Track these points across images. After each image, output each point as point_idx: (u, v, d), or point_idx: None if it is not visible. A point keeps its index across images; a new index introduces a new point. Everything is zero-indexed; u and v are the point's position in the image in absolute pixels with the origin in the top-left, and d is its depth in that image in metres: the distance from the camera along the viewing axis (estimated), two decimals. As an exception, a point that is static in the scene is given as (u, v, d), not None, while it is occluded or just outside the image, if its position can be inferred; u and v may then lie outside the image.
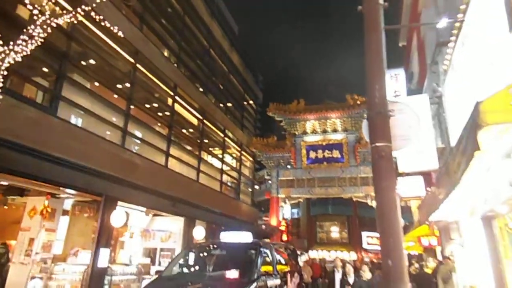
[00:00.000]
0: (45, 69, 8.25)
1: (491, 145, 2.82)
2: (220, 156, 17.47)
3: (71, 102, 8.40)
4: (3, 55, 4.51)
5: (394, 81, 14.04)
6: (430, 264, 11.49)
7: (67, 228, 11.36)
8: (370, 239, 30.53)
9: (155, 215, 13.27)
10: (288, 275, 5.73)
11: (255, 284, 4.39)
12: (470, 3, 5.78)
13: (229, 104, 18.89)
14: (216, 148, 17.73)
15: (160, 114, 12.96)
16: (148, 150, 11.74)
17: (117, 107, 10.10)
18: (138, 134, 11.35)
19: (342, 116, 19.34)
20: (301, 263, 16.10)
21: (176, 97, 13.24)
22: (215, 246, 6.31)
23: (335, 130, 20.05)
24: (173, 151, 12.87)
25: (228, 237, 6.09)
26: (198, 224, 13.79)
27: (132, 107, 11.22)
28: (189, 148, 14.63)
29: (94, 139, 8.93)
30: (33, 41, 4.83)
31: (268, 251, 5.45)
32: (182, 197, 12.35)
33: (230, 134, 18.60)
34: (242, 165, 20.40)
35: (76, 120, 8.62)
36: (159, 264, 12.64)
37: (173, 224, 13.74)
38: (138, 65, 10.94)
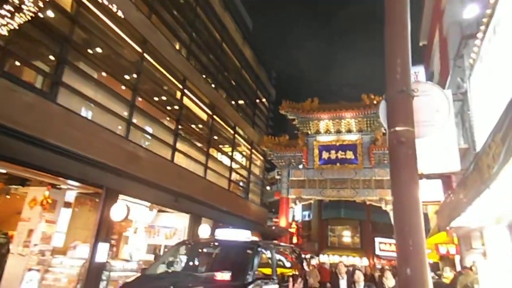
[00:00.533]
0: (46, 53, 7.95)
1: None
2: (230, 153, 17.02)
3: (72, 89, 8.08)
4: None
5: (414, 80, 13.39)
6: (447, 274, 10.71)
7: (69, 221, 11.10)
8: (383, 245, 29.61)
9: (160, 211, 12.90)
10: (290, 280, 5.22)
11: None
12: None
13: (240, 101, 18.44)
14: (226, 145, 17.31)
15: (168, 107, 12.60)
16: (154, 143, 11.38)
17: (122, 98, 9.77)
18: (144, 126, 10.99)
19: (357, 116, 18.63)
20: (312, 266, 15.53)
21: (185, 90, 12.86)
22: (208, 243, 5.81)
23: (349, 131, 19.35)
24: (180, 146, 12.49)
25: (224, 234, 5.60)
26: (204, 222, 13.36)
27: (139, 99, 10.91)
28: (197, 143, 14.23)
29: (95, 129, 8.59)
30: (22, 15, 4.43)
31: (268, 252, 4.96)
32: (188, 193, 11.94)
33: (240, 132, 18.15)
34: (252, 164, 19.92)
35: (77, 108, 8.28)
36: (163, 262, 12.26)
37: (179, 221, 13.38)
38: (145, 55, 10.60)
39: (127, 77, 10.44)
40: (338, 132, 19.52)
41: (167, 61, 11.52)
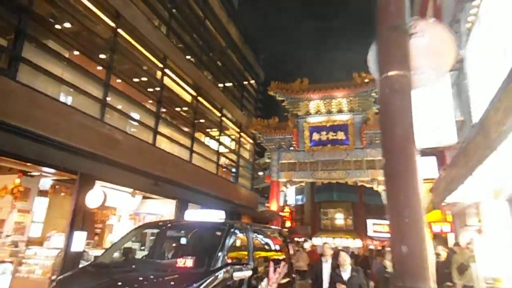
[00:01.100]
0: (2, 25, 7.19)
1: None
2: (217, 137, 16.41)
3: (36, 66, 7.36)
4: None
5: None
6: (439, 253, 10.44)
7: (46, 210, 10.52)
8: (376, 227, 29.59)
9: (145, 197, 12.36)
10: (271, 265, 4.59)
11: (214, 276, 3.34)
12: None
13: (227, 82, 17.73)
14: (213, 129, 16.69)
15: (148, 88, 11.89)
16: (133, 126, 10.75)
17: (95, 77, 9.05)
18: (122, 108, 10.31)
19: (348, 96, 18.09)
20: (302, 249, 15.18)
21: (166, 70, 12.13)
22: (173, 226, 5.12)
23: (340, 111, 18.83)
24: (163, 129, 11.85)
25: (195, 215, 5.05)
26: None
27: (117, 80, 10.21)
28: (181, 127, 13.59)
29: (64, 110, 7.91)
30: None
31: (243, 235, 4.39)
32: (172, 178, 11.38)
33: (228, 114, 17.51)
34: (241, 148, 19.37)
35: (43, 88, 7.57)
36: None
37: (165, 207, 12.87)
38: (119, 31, 9.83)
39: (100, 55, 9.70)
40: (329, 112, 18.99)
41: (145, 38, 10.76)
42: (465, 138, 6.36)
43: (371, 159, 17.82)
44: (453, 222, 10.55)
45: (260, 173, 28.53)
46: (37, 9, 7.57)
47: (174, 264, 3.62)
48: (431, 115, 7.60)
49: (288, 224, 30.60)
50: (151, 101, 11.63)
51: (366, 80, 17.70)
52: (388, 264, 6.23)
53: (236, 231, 4.28)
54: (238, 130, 18.89)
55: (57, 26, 8.81)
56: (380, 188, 17.49)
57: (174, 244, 4.16)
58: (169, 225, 5.20)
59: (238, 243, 4.36)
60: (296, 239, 30.68)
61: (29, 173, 9.11)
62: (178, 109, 13.86)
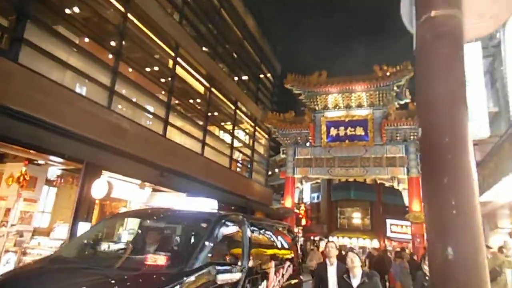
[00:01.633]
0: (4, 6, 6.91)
1: None
2: (231, 130, 15.96)
3: (39, 49, 7.06)
4: None
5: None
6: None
7: (54, 200, 10.33)
8: (394, 227, 28.60)
9: (155, 190, 12.05)
10: (271, 265, 4.04)
11: (189, 279, 2.68)
12: None
13: (242, 74, 17.24)
14: (227, 122, 16.26)
15: (158, 77, 11.54)
16: (143, 116, 10.41)
17: (102, 62, 8.72)
18: (131, 97, 9.97)
19: (369, 89, 17.27)
20: (315, 248, 14.58)
21: (178, 59, 11.74)
22: (152, 215, 4.25)
23: (359, 105, 18.03)
24: (174, 119, 11.48)
25: (183, 204, 4.51)
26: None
27: (129, 70, 9.88)
28: (193, 118, 13.21)
29: (69, 96, 7.60)
30: None
31: (237, 229, 3.72)
32: (182, 170, 11.00)
33: (243, 108, 17.03)
34: (256, 142, 18.86)
35: (47, 71, 7.27)
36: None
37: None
38: (129, 15, 9.47)
39: (108, 41, 9.36)
40: (348, 107, 18.22)
41: (156, 24, 10.37)
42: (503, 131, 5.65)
43: (391, 156, 16.97)
44: (482, 224, 9.74)
45: (276, 170, 28.00)
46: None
47: (143, 262, 2.99)
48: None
49: (303, 222, 30.15)
50: (162, 91, 11.26)
51: (388, 73, 16.85)
52: (427, 269, 5.56)
53: (228, 223, 3.63)
54: (253, 124, 18.40)
55: (63, 9, 8.53)
56: (401, 187, 16.65)
57: (151, 238, 3.57)
58: (148, 214, 4.45)
59: (230, 239, 3.73)
60: (311, 237, 30.18)
61: (35, 162, 8.86)
62: (190, 100, 13.48)
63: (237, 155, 16.94)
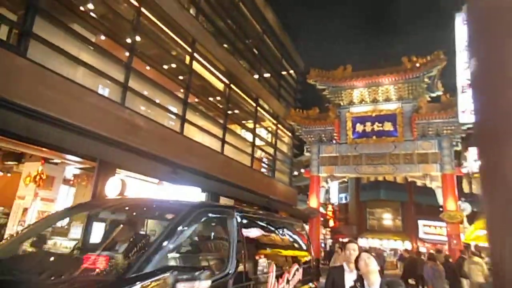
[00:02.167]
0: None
1: None
2: (252, 128, 15.50)
3: (49, 44, 6.89)
4: None
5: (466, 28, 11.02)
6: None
7: (73, 199, 10.26)
8: (427, 228, 27.17)
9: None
10: (271, 270, 3.25)
11: None
12: None
13: (263, 70, 16.75)
14: (248, 121, 15.82)
15: (175, 73, 11.27)
16: (158, 112, 10.14)
17: (114, 58, 8.51)
18: (146, 93, 9.73)
19: (397, 82, 16.31)
20: (340, 250, 13.82)
21: (195, 54, 11.42)
22: (113, 207, 3.52)
23: (387, 99, 17.08)
24: (191, 117, 11.16)
25: (161, 193, 3.89)
26: (223, 201, 12.10)
27: (147, 68, 9.65)
28: (212, 115, 12.86)
29: (79, 91, 7.40)
30: None
31: (221, 223, 3.04)
32: (199, 168, 10.65)
33: (264, 105, 16.53)
34: (279, 141, 18.30)
35: (58, 67, 7.10)
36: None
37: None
38: (143, 9, 9.23)
39: (122, 35, 9.16)
40: (375, 101, 17.31)
41: (170, 18, 10.08)
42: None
43: (423, 152, 15.91)
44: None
45: (302, 171, 27.33)
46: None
47: (79, 265, 2.38)
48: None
49: (331, 223, 29.25)
50: (178, 86, 10.97)
51: (418, 64, 15.84)
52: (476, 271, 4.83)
53: (207, 216, 2.94)
54: (275, 122, 17.86)
55: (75, 4, 8.39)
56: (434, 185, 15.56)
57: (107, 233, 3.05)
58: (109, 205, 3.67)
59: (209, 236, 3.11)
60: (340, 239, 29.20)
61: (51, 161, 8.79)
62: (209, 97, 13.14)
63: (259, 153, 16.46)
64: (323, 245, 25.35)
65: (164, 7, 9.66)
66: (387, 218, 31.28)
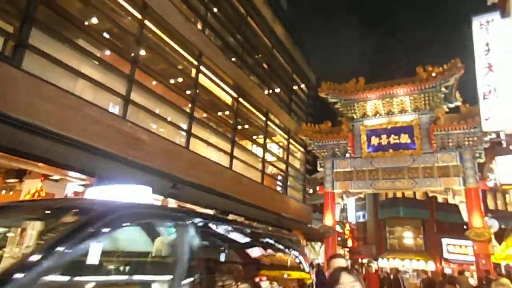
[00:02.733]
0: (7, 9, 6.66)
1: None
2: (262, 143, 15.04)
3: (45, 55, 6.70)
4: None
5: (484, 32, 10.46)
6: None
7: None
8: (452, 247, 25.62)
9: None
10: None
11: None
12: None
13: (273, 84, 16.42)
14: (258, 135, 15.39)
15: (180, 86, 11.02)
16: (163, 126, 9.84)
17: (116, 70, 8.29)
18: (150, 107, 9.44)
19: (412, 93, 15.66)
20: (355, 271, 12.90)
21: (202, 68, 11.17)
22: (32, 209, 2.60)
23: (403, 111, 16.39)
24: (197, 131, 10.80)
25: (101, 193, 3.18)
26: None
27: (153, 83, 9.43)
28: (220, 130, 12.49)
29: (78, 104, 7.14)
30: None
31: (171, 233, 2.33)
32: (205, 184, 10.19)
33: (275, 119, 16.10)
34: (291, 156, 17.74)
35: (54, 79, 6.88)
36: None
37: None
38: (146, 22, 9.07)
39: (122, 46, 8.96)
40: (389, 113, 16.64)
41: (175, 31, 9.89)
42: None
43: (443, 165, 15.02)
44: None
45: (317, 188, 26.48)
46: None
47: None
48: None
49: (349, 243, 27.93)
50: (182, 100, 10.68)
51: (434, 74, 15.20)
52: None
53: (140, 221, 2.17)
54: (286, 137, 17.36)
55: (77, 18, 8.27)
56: (457, 200, 14.59)
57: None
58: (28, 208, 2.75)
59: (141, 253, 2.31)
60: (359, 260, 27.79)
61: (51, 177, 8.50)
62: (217, 112, 12.81)
63: (270, 169, 15.92)
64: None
65: (169, 20, 9.49)
66: (408, 237, 29.76)
